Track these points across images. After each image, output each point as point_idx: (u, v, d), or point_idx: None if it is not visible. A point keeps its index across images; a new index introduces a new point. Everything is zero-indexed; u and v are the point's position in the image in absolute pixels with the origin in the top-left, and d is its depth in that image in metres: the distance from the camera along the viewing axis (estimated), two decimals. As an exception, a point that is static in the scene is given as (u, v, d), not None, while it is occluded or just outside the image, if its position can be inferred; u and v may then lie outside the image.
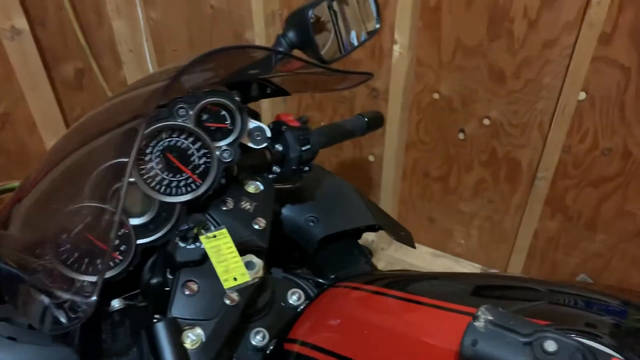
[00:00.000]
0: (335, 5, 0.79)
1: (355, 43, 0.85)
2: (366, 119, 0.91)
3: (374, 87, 1.70)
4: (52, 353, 0.66)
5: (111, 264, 0.61)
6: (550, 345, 0.44)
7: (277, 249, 0.78)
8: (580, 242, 1.63)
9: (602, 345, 0.47)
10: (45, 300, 0.57)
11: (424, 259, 1.93)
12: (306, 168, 0.78)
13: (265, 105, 1.84)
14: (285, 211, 0.84)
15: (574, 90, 1.38)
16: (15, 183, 1.34)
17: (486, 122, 1.59)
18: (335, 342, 0.61)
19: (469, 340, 0.47)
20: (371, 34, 0.86)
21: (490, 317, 0.48)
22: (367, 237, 1.97)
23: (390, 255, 1.96)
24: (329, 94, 1.82)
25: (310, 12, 0.75)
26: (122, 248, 0.62)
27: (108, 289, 0.62)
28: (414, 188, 1.87)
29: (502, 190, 1.69)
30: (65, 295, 0.58)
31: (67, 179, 0.64)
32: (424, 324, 0.58)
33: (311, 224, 0.83)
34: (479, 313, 0.48)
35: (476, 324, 0.47)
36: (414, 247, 0.89)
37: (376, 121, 0.93)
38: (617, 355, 0.45)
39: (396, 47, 1.55)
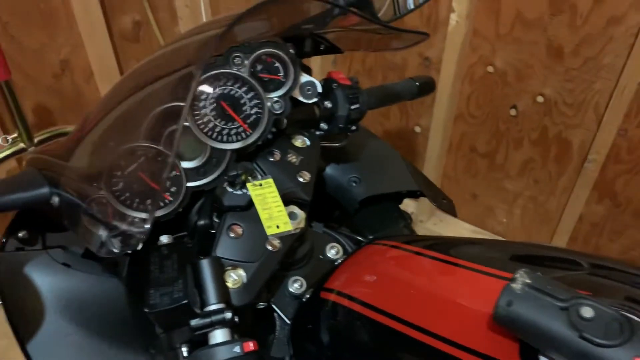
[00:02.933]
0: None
1: (412, 6, 0.84)
2: (417, 83, 0.90)
3: (427, 57, 1.68)
4: (102, 281, 0.71)
5: (161, 203, 0.64)
6: (587, 312, 0.44)
7: (319, 206, 0.79)
8: (627, 230, 1.59)
9: (640, 318, 0.47)
10: (100, 229, 0.60)
11: (463, 235, 1.92)
12: (353, 127, 0.79)
13: (315, 68, 1.84)
14: (329, 170, 0.85)
15: (636, 72, 1.33)
16: (68, 128, 1.40)
17: (540, 99, 1.55)
18: (371, 295, 0.62)
19: (504, 300, 0.47)
20: (428, -2, 0.85)
21: (528, 280, 0.48)
22: (407, 209, 1.97)
23: (428, 228, 1.95)
24: (379, 61, 1.80)
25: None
26: (172, 189, 0.64)
27: (156, 228, 0.65)
28: (459, 162, 1.85)
29: (549, 171, 1.65)
30: (117, 228, 0.61)
31: (125, 120, 0.67)
32: (461, 285, 0.59)
33: (353, 184, 0.84)
34: (517, 275, 0.48)
35: (513, 285, 0.48)
36: (455, 215, 0.90)
37: (427, 86, 0.92)
38: (656, 327, 0.45)
39: (453, 16, 1.51)
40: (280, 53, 0.68)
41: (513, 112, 1.62)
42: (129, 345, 0.69)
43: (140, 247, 0.61)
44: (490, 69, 1.59)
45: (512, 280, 0.48)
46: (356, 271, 0.69)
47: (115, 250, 0.59)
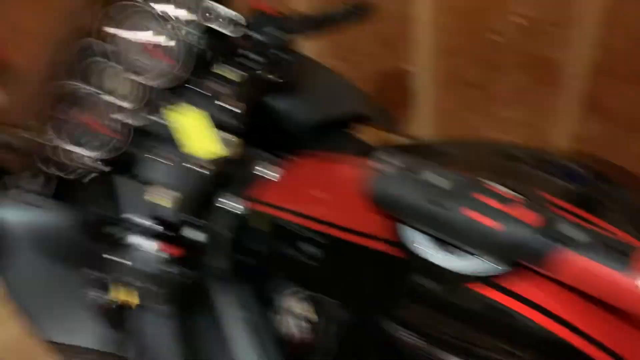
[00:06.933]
0: None
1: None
2: (352, 8, 0.92)
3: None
4: (66, 218, 0.80)
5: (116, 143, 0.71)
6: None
7: (263, 137, 0.84)
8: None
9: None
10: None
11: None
12: (286, 56, 0.82)
13: None
14: (273, 100, 0.89)
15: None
16: None
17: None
18: (289, 202, 0.68)
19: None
20: None
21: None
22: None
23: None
24: None
25: None
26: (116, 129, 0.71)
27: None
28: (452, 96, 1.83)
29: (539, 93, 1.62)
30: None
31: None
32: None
33: (299, 113, 0.88)
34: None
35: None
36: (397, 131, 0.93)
37: (362, 11, 0.94)
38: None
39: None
40: None
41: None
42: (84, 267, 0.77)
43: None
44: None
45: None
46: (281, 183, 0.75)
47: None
